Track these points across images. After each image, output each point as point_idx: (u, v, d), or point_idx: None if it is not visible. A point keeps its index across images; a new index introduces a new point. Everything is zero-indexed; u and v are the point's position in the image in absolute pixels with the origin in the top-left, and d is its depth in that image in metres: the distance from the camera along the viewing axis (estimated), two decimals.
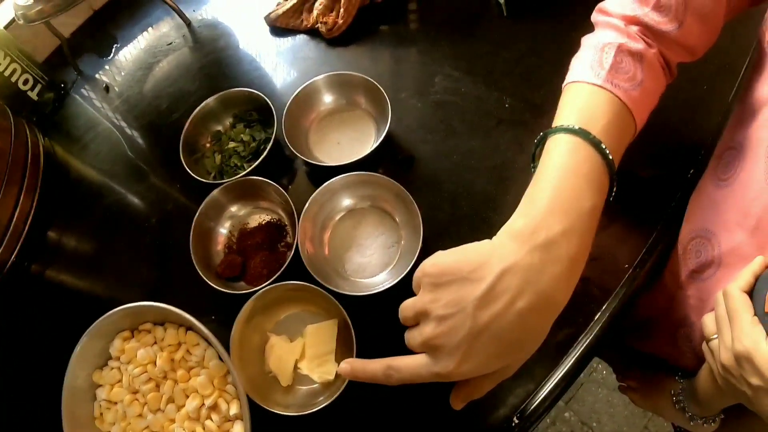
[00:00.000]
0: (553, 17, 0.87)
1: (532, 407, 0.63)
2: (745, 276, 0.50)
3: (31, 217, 0.89)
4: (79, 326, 0.70)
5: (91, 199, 0.92)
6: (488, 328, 0.44)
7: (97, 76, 1.06)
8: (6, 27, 1.02)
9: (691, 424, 0.72)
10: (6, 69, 0.96)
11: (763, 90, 0.53)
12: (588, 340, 0.65)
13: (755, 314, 0.48)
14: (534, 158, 0.53)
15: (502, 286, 0.44)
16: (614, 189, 0.50)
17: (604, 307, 0.66)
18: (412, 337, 0.49)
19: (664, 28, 0.54)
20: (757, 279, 0.50)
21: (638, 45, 0.54)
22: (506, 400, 0.64)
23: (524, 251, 0.45)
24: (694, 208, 0.65)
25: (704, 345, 0.56)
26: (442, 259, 0.48)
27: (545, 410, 0.63)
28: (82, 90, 1.05)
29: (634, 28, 0.55)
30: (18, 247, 0.88)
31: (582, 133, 0.48)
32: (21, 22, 0.92)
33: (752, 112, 0.54)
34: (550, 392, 0.63)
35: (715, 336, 0.53)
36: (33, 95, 1.02)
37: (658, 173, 0.71)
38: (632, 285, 0.66)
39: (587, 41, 0.57)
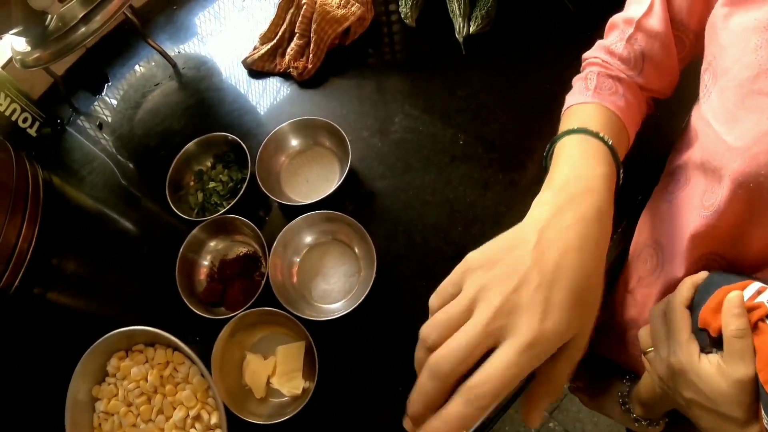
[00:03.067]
0: (506, 56, 0.93)
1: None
2: (684, 288, 0.50)
3: (33, 244, 0.95)
4: (77, 344, 0.77)
5: (88, 228, 0.99)
6: (558, 273, 0.43)
7: (90, 112, 1.12)
8: (3, 66, 1.07)
9: (636, 425, 0.74)
10: (6, 109, 1.03)
11: (694, 116, 0.57)
12: None
13: (692, 330, 0.48)
14: (546, 163, 0.60)
15: (548, 237, 0.45)
16: (621, 173, 0.56)
17: None
18: (468, 329, 0.42)
19: (628, 74, 0.64)
20: (696, 292, 0.50)
21: (616, 72, 0.64)
22: None
23: (554, 209, 0.47)
24: (644, 220, 0.70)
25: (643, 357, 0.57)
26: (480, 249, 0.47)
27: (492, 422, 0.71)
28: (78, 125, 1.12)
29: (610, 66, 0.66)
30: (22, 272, 0.94)
31: (581, 130, 0.56)
32: (19, 66, 0.98)
33: (693, 137, 0.58)
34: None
35: (651, 349, 0.54)
36: (32, 132, 1.08)
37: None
38: None
39: (575, 79, 0.68)
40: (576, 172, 0.51)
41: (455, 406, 0.41)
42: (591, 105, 0.62)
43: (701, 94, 0.56)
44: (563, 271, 0.43)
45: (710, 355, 0.46)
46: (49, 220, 0.98)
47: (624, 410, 0.75)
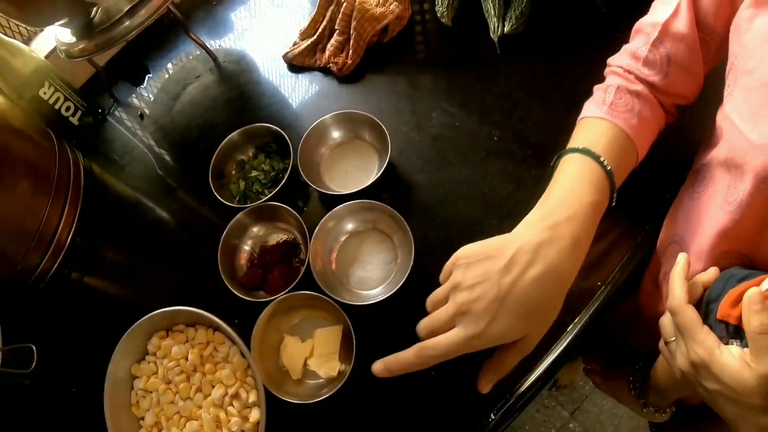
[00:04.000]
0: (539, 56, 0.94)
1: (508, 405, 0.71)
2: (694, 287, 0.53)
3: (73, 230, 0.98)
4: (117, 327, 0.79)
5: (127, 216, 1.01)
6: (510, 294, 0.55)
7: (130, 102, 1.15)
8: (47, 56, 1.10)
9: (644, 411, 0.77)
10: (51, 98, 1.05)
11: (719, 116, 0.60)
12: (565, 344, 0.72)
13: (707, 322, 0.50)
14: (551, 172, 0.66)
15: (519, 258, 0.56)
16: (615, 196, 0.62)
17: (575, 320, 0.73)
18: (442, 311, 0.59)
19: (652, 79, 0.66)
20: (710, 286, 0.53)
21: (636, 86, 0.66)
22: (488, 396, 0.69)
23: (535, 232, 0.57)
24: (670, 217, 0.71)
25: (662, 344, 0.59)
26: (471, 246, 0.61)
27: (520, 408, 0.71)
28: (118, 115, 1.14)
29: (632, 76, 0.68)
30: (61, 257, 0.97)
31: (585, 151, 0.62)
32: (63, 57, 1.00)
33: (718, 136, 0.60)
34: (525, 392, 0.71)
35: (673, 339, 0.55)
36: (74, 120, 1.11)
37: (638, 197, 0.75)
38: (604, 297, 0.74)
39: (597, 87, 0.70)
40: (565, 198, 0.59)
41: (408, 353, 0.61)
42: (603, 122, 0.65)
43: (725, 93, 0.58)
44: (518, 291, 0.55)
45: (732, 347, 0.47)
46: (89, 207, 1.01)
47: (633, 395, 0.77)
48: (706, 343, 0.48)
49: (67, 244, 0.98)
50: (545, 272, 0.55)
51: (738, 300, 0.47)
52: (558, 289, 0.57)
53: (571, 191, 0.60)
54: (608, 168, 0.61)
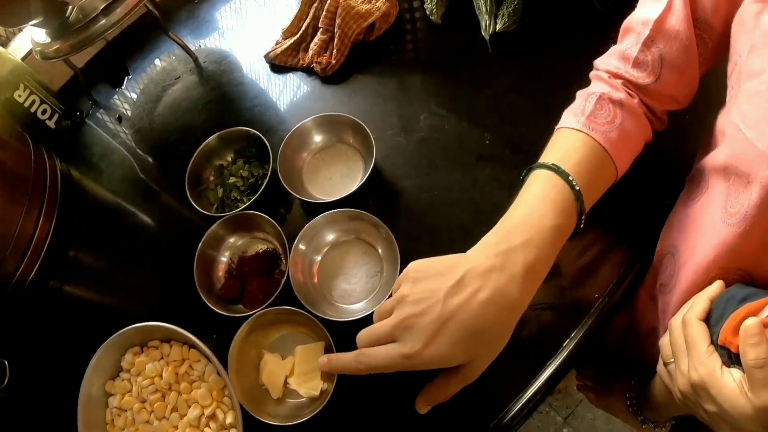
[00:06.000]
0: (533, 56, 0.91)
1: (503, 423, 0.68)
2: (700, 302, 0.51)
3: (50, 237, 0.94)
4: (92, 338, 0.76)
5: (105, 221, 0.98)
6: (455, 315, 0.52)
7: (110, 105, 1.11)
8: (23, 58, 1.07)
9: (643, 427, 0.75)
10: (26, 101, 1.02)
11: (721, 121, 0.57)
12: (561, 359, 0.70)
13: (711, 343, 0.48)
14: (521, 186, 0.62)
15: (468, 280, 0.53)
16: (583, 218, 0.58)
17: (572, 334, 0.70)
18: (384, 323, 0.56)
19: (643, 82, 0.62)
20: (712, 305, 0.50)
21: (620, 94, 0.61)
22: (479, 416, 0.69)
23: (488, 256, 0.54)
24: (666, 226, 0.69)
25: (660, 366, 0.57)
26: (424, 261, 0.58)
27: (514, 427, 0.68)
28: (98, 118, 1.11)
29: (618, 81, 0.63)
30: (38, 264, 0.93)
31: (554, 168, 0.57)
32: (38, 57, 0.97)
33: (715, 140, 0.58)
34: (520, 409, 0.68)
35: (672, 360, 0.53)
36: (51, 124, 1.07)
37: (635, 205, 0.74)
38: (601, 311, 0.71)
39: (579, 93, 0.65)
40: (525, 221, 0.56)
41: (349, 355, 0.59)
42: (577, 135, 0.60)
43: (728, 96, 0.55)
44: (463, 313, 0.52)
45: (733, 370, 0.45)
46: (66, 212, 0.97)
47: (631, 411, 0.76)
48: (708, 362, 0.46)
49: (44, 251, 0.95)
50: (492, 298, 0.52)
51: (738, 327, 0.45)
52: (506, 317, 0.54)
53: (532, 213, 0.57)
54: (576, 188, 0.57)
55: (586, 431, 1.68)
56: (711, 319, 0.50)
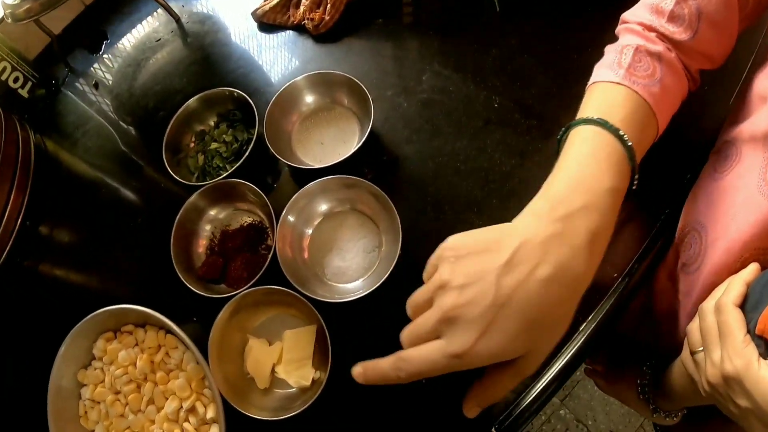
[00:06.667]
0: (546, 15, 0.85)
1: (512, 419, 0.62)
2: (736, 286, 0.47)
3: (22, 214, 0.89)
4: (69, 321, 0.70)
5: (81, 196, 0.92)
6: (511, 300, 0.43)
7: (87, 72, 1.05)
8: None
9: (654, 416, 0.72)
10: None
11: (762, 84, 0.54)
12: (576, 347, 0.63)
13: (747, 331, 0.45)
14: (558, 148, 0.54)
15: (523, 255, 0.44)
16: (636, 177, 0.51)
17: (589, 318, 0.64)
18: (426, 318, 0.47)
19: (679, 38, 0.56)
20: (748, 289, 0.47)
21: (657, 47, 0.55)
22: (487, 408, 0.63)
23: (544, 224, 0.45)
24: (690, 201, 0.65)
25: (686, 355, 0.54)
26: (462, 236, 0.49)
27: (525, 421, 0.62)
28: (74, 86, 1.04)
29: (653, 34, 0.57)
30: (10, 243, 0.88)
31: (601, 122, 0.50)
32: (9, 21, 0.92)
33: (751, 107, 0.54)
34: (530, 404, 0.62)
35: (701, 349, 0.50)
36: (24, 93, 1.02)
37: (655, 179, 0.68)
38: (621, 292, 0.65)
39: (609, 48, 0.59)
40: (579, 183, 0.48)
41: (384, 363, 0.48)
42: (619, 88, 0.54)
43: None
44: (521, 296, 0.43)
45: None
46: (40, 187, 0.92)
47: (642, 399, 0.73)
48: (745, 354, 0.43)
49: (16, 230, 0.89)
50: (555, 274, 0.44)
51: None
52: (570, 296, 0.45)
53: (584, 174, 0.48)
54: (629, 144, 0.50)
55: (582, 412, 1.66)
56: (746, 305, 0.46)
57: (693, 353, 0.51)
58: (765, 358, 0.43)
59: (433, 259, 0.50)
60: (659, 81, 0.54)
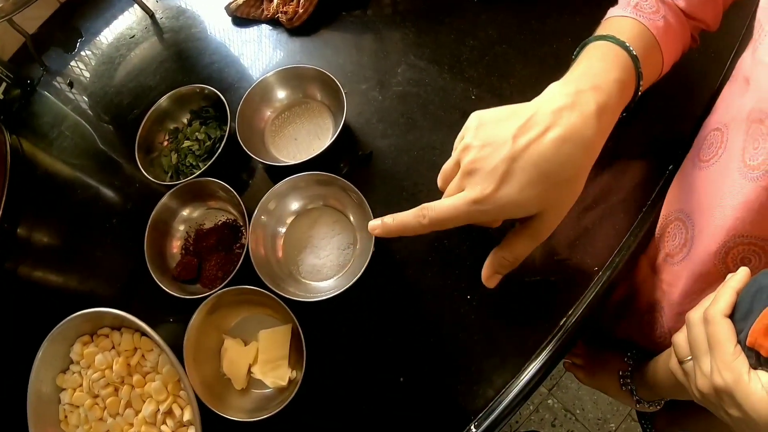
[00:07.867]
0: (523, 3, 0.84)
1: (491, 418, 0.61)
2: (725, 296, 0.46)
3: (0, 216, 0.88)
4: (47, 324, 0.70)
5: (57, 197, 0.91)
6: (525, 152, 0.47)
7: (62, 71, 1.04)
8: None
9: (637, 405, 0.73)
10: None
11: (746, 63, 0.54)
12: (557, 341, 0.63)
13: (737, 342, 0.44)
14: (572, 64, 0.59)
15: (536, 119, 0.49)
16: (639, 88, 0.56)
17: (569, 312, 0.63)
18: (453, 181, 0.52)
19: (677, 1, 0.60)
20: (738, 298, 0.46)
21: None
22: (466, 405, 0.62)
23: (557, 98, 0.50)
24: (673, 190, 0.65)
25: (674, 363, 0.53)
26: (485, 110, 0.53)
27: (503, 419, 0.61)
28: (49, 86, 1.03)
29: None
30: None
31: (610, 38, 0.56)
32: None
33: (736, 90, 0.56)
34: (511, 401, 0.61)
35: (689, 358, 0.49)
36: None
37: (637, 168, 0.70)
38: (602, 285, 0.64)
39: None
40: (590, 71, 0.53)
41: (407, 214, 0.52)
42: (626, 20, 0.59)
43: (756, 36, 0.52)
44: (534, 150, 0.47)
45: (761, 373, 0.42)
46: (16, 189, 0.91)
47: (625, 390, 0.74)
48: (735, 366, 0.42)
49: None
50: (566, 135, 0.48)
51: None
52: (580, 157, 0.49)
53: (594, 68, 0.54)
54: (634, 53, 0.55)
55: (570, 401, 1.66)
56: (736, 314, 0.45)
57: (681, 362, 0.51)
58: (756, 369, 0.42)
59: (461, 132, 0.54)
60: (663, 18, 0.58)
